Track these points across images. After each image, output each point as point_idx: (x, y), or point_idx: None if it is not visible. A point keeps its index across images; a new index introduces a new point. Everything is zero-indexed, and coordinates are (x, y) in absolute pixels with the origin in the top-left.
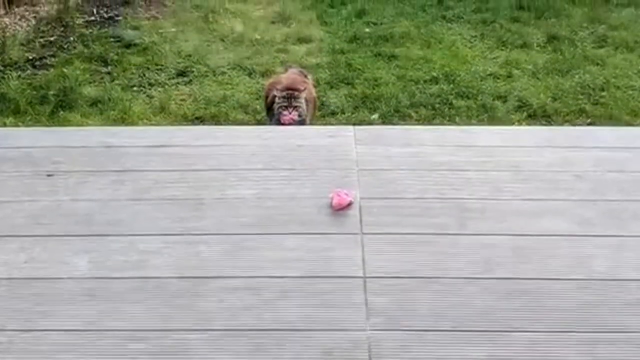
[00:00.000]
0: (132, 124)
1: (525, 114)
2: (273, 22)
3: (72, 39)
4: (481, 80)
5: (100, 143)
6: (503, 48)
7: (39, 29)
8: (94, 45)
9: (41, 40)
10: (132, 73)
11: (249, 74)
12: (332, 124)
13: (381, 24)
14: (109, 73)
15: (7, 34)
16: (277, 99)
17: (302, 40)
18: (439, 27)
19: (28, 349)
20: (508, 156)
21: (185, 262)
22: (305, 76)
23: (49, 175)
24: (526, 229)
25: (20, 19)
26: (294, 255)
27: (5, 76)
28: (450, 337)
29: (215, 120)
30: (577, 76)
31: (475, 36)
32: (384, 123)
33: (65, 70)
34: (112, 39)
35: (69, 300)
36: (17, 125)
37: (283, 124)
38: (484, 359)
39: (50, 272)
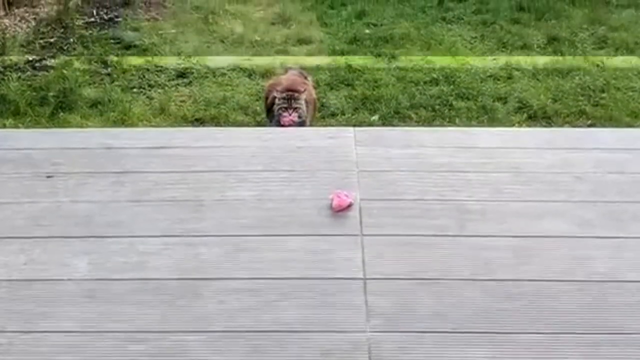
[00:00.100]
0: (132, 125)
1: (525, 115)
2: (273, 24)
3: (72, 40)
4: (481, 82)
5: (100, 144)
6: (503, 49)
7: (38, 30)
8: (94, 47)
9: (41, 41)
10: (132, 74)
11: (249, 75)
12: (332, 125)
13: (381, 25)
14: (108, 74)
15: (7, 35)
16: (277, 101)
17: (302, 41)
18: (439, 29)
19: (28, 351)
20: (508, 157)
21: (185, 264)
22: (305, 77)
23: (48, 177)
24: (526, 230)
25: (20, 21)
26: (294, 257)
27: (5, 77)
28: (450, 338)
29: (215, 121)
30: (577, 77)
31: (476, 37)
32: (384, 124)
33: (65, 71)
34: (112, 41)
35: (68, 301)
36: (17, 127)
37: (283, 126)
38: None
39: (50, 274)
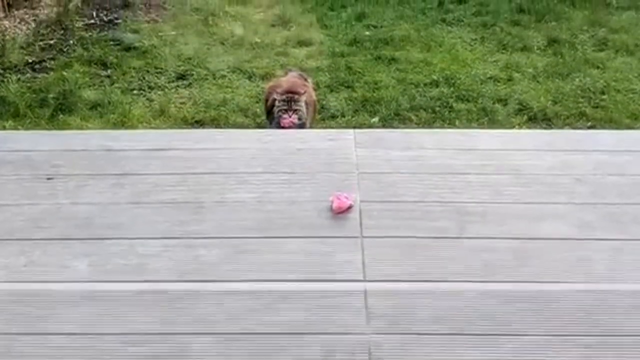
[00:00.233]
0: (132, 127)
1: (525, 117)
2: (273, 25)
3: (71, 42)
4: (481, 84)
5: (100, 146)
6: (503, 51)
7: (38, 32)
8: (94, 49)
9: (41, 43)
10: (132, 76)
11: (249, 77)
12: (332, 127)
13: (381, 27)
14: (108, 76)
15: (7, 37)
16: (277, 102)
17: (302, 43)
18: (439, 30)
19: (28, 352)
20: (508, 159)
21: (185, 266)
22: (305, 79)
23: (48, 179)
24: (526, 232)
25: (20, 22)
26: (294, 259)
27: (5, 79)
28: (450, 340)
29: (215, 123)
30: (577, 79)
31: (476, 39)
32: (384, 126)
33: (65, 73)
34: (111, 42)
35: (68, 303)
36: (17, 129)
37: (283, 127)
38: None
39: (50, 276)
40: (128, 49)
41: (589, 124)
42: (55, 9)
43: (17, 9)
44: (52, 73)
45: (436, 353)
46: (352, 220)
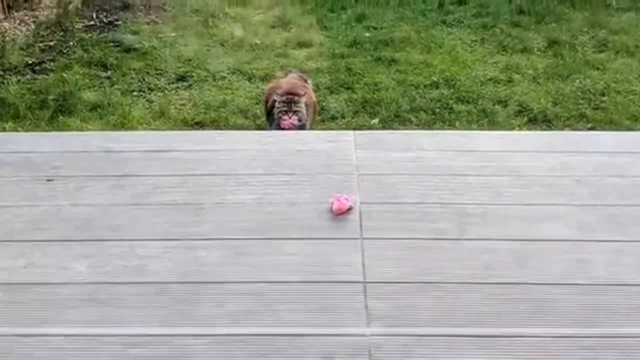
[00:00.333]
0: (132, 128)
1: (525, 118)
2: (273, 27)
3: (71, 43)
4: (481, 85)
5: (100, 148)
6: (503, 53)
7: (38, 33)
8: (94, 50)
9: (41, 44)
10: (132, 78)
11: (249, 79)
12: (332, 129)
13: (381, 28)
14: (108, 78)
15: (7, 38)
16: (277, 104)
17: (302, 44)
18: (439, 32)
19: (28, 354)
20: (508, 161)
21: (185, 267)
22: (305, 81)
23: (48, 180)
24: (527, 234)
25: (19, 24)
26: (294, 260)
27: (5, 81)
28: (451, 342)
29: (215, 125)
30: (577, 81)
31: (476, 41)
32: (384, 128)
33: (64, 74)
34: (111, 44)
35: (68, 305)
36: (17, 130)
37: (283, 129)
38: None
39: (50, 277)
40: (128, 50)
41: (589, 125)
42: (55, 11)
43: (17, 11)
44: (52, 74)
45: (436, 354)
46: (352, 221)
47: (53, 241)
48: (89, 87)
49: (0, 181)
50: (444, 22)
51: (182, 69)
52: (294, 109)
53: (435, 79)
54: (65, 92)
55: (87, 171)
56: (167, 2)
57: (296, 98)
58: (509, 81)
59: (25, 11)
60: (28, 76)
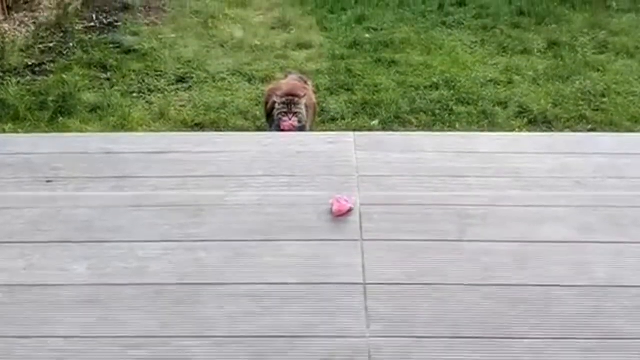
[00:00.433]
0: (132, 130)
1: (525, 120)
2: (273, 28)
3: (71, 45)
4: (481, 87)
5: (100, 149)
6: (504, 54)
7: (38, 35)
8: (94, 51)
9: (40, 46)
10: (132, 79)
11: (249, 80)
12: (332, 130)
13: (381, 29)
14: (108, 79)
15: (7, 39)
16: (277, 105)
17: (302, 46)
18: (439, 33)
19: (27, 356)
20: (508, 162)
21: (185, 269)
22: (305, 82)
23: (48, 182)
24: (527, 235)
25: (19, 25)
26: (294, 262)
27: (5, 82)
28: (450, 343)
29: (215, 126)
30: (577, 82)
31: (476, 42)
32: (384, 129)
33: (64, 76)
34: (111, 45)
35: (68, 306)
36: (16, 132)
37: (283, 130)
38: None
39: (50, 279)
40: (128, 51)
41: (589, 126)
42: (55, 12)
43: (17, 12)
44: (51, 76)
45: (436, 356)
46: (352, 223)
47: (53, 243)
48: (89, 89)
49: (0, 182)
50: (444, 23)
51: (182, 71)
52: (294, 110)
53: (435, 80)
54: (65, 93)
55: (87, 173)
56: (167, 3)
57: (296, 99)
58: (509, 82)
59: (25, 12)
60: (28, 77)
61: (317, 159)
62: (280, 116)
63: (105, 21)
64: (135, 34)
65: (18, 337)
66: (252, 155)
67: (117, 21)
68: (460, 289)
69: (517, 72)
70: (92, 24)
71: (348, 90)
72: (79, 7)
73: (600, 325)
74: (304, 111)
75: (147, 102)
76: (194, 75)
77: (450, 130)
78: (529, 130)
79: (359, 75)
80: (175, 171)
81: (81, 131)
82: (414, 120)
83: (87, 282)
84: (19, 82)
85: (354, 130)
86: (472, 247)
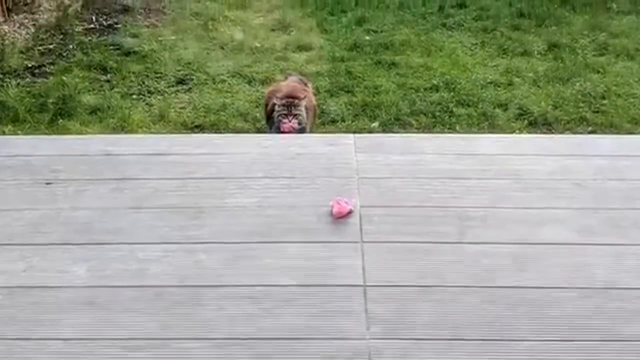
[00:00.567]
0: (132, 132)
1: (525, 122)
2: (273, 30)
3: (71, 46)
4: (482, 88)
5: (100, 151)
6: (504, 56)
7: (38, 36)
8: (94, 53)
9: (40, 48)
10: (132, 81)
11: (249, 82)
12: (332, 132)
13: (381, 31)
14: (108, 81)
15: (7, 41)
16: (277, 107)
17: (302, 48)
18: (440, 35)
19: (27, 358)
20: (509, 164)
21: (185, 271)
22: (305, 84)
23: (48, 184)
24: (527, 237)
25: (19, 27)
26: (294, 264)
27: (4, 84)
28: (450, 346)
29: (215, 128)
30: (577, 84)
31: (476, 44)
32: (384, 131)
33: (64, 78)
34: (111, 47)
35: (68, 308)
36: (16, 133)
37: (283, 132)
38: None
39: (50, 281)
40: (128, 53)
41: (590, 128)
42: (54, 14)
43: (17, 14)
44: (51, 78)
45: (436, 358)
46: (352, 225)
47: (53, 245)
48: (89, 91)
49: (0, 184)
50: (444, 25)
51: (181, 72)
52: (294, 112)
53: (435, 82)
54: (64, 95)
55: (87, 174)
56: (167, 5)
57: (296, 101)
58: (509, 84)
59: (25, 14)
60: (28, 79)
61: (317, 161)
62: (280, 118)
63: (105, 23)
64: (135, 35)
65: (18, 339)
66: (252, 157)
67: (117, 23)
68: (460, 291)
69: (517, 74)
70: (92, 25)
71: (348, 92)
72: (79, 9)
73: (600, 327)
74: (304, 113)
75: (147, 104)
76: (194, 77)
77: (450, 132)
78: (529, 132)
79: (359, 77)
80: (175, 173)
81: (81, 133)
82: (414, 122)
83: (87, 284)
84: (18, 84)
85: (354, 132)
86: (472, 249)
